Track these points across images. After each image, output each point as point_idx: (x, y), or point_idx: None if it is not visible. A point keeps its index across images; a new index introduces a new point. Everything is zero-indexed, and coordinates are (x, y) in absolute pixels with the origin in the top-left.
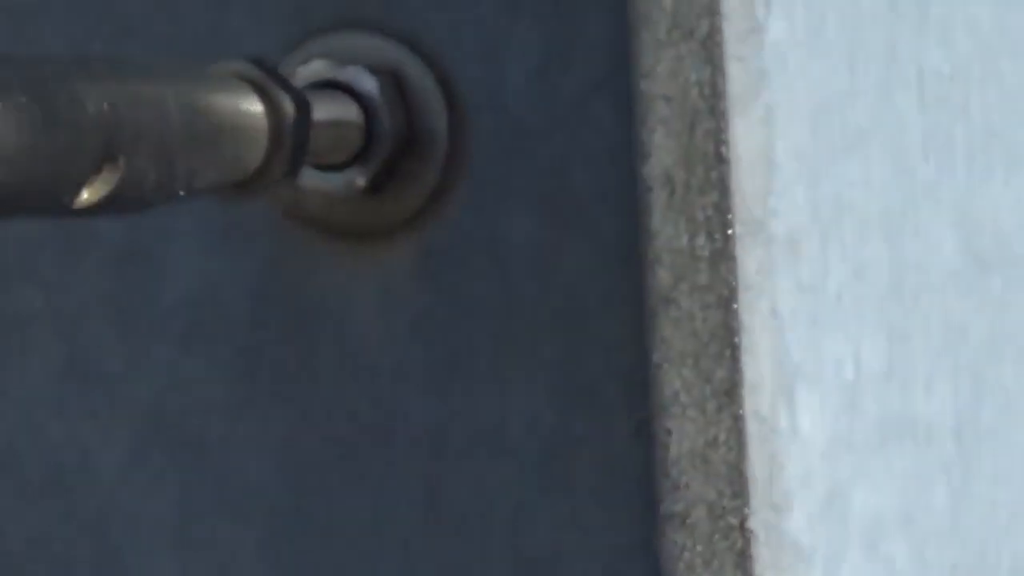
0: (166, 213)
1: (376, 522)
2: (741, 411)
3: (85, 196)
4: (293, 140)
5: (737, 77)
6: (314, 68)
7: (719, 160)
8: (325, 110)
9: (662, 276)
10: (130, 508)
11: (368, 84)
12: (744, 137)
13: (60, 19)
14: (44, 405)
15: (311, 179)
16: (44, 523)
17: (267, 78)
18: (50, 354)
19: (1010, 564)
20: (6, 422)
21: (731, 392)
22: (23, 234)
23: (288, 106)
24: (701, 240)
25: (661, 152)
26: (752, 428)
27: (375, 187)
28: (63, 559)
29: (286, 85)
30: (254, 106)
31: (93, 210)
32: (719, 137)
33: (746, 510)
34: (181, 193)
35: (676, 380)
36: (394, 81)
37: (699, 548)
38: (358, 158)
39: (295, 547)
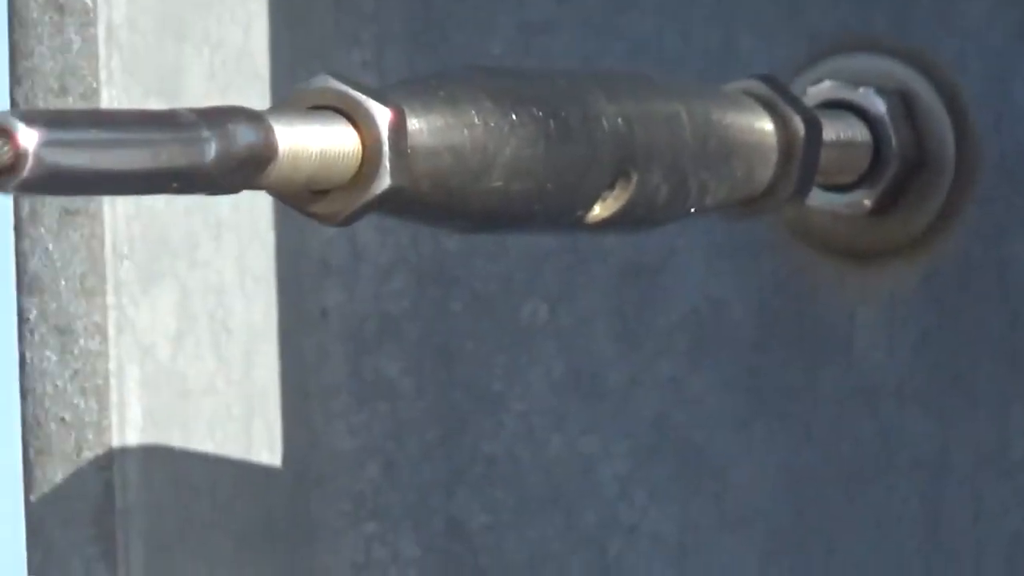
0: (672, 229)
1: (876, 542)
2: None
3: (598, 211)
4: (803, 159)
5: None
6: (823, 88)
7: None
8: (834, 130)
9: None
10: (630, 521)
11: (877, 105)
12: None
13: (571, 35)
14: (546, 418)
15: (817, 199)
16: (544, 536)
17: (778, 97)
18: (554, 367)
19: None
20: (508, 434)
21: None
22: (531, 248)
23: (799, 125)
24: None
25: None
26: None
27: (881, 208)
28: (561, 573)
29: (797, 104)
30: (765, 124)
31: (605, 225)
32: None
33: None
34: (691, 210)
35: None
36: (903, 103)
37: None
38: (865, 179)
39: (795, 564)
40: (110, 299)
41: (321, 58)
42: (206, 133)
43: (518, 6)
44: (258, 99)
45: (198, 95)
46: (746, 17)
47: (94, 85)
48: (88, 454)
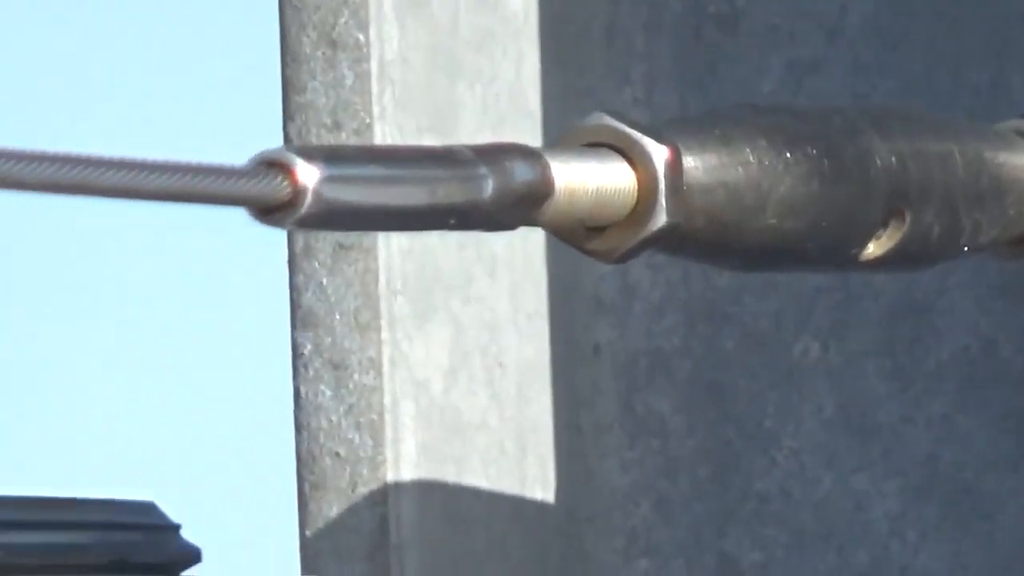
0: (942, 268)
1: None
2: None
3: (871, 249)
4: None
5: None
6: None
7: None
8: None
9: None
10: (902, 560)
11: None
12: None
13: (841, 73)
14: (818, 455)
15: None
16: (816, 574)
17: None
18: (825, 405)
19: None
20: (780, 472)
21: None
22: (801, 285)
23: None
24: None
25: None
26: None
27: None
28: None
29: None
30: None
31: (878, 264)
32: None
33: None
34: (964, 249)
35: None
36: None
37: None
38: None
39: None
40: (384, 334)
41: (592, 95)
42: (483, 170)
43: (788, 44)
44: (529, 135)
45: (471, 131)
46: (1017, 56)
47: (367, 121)
48: (363, 489)
